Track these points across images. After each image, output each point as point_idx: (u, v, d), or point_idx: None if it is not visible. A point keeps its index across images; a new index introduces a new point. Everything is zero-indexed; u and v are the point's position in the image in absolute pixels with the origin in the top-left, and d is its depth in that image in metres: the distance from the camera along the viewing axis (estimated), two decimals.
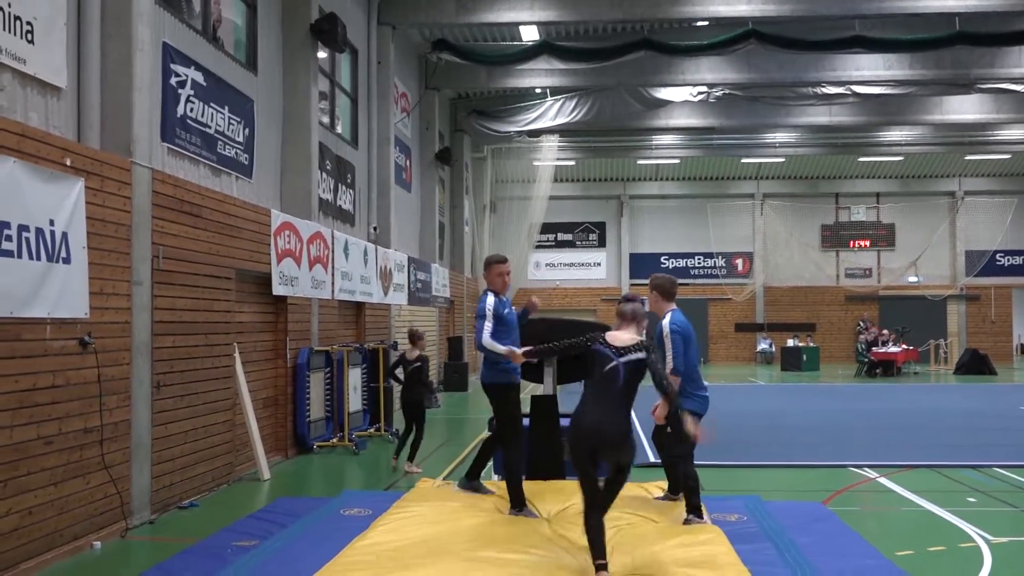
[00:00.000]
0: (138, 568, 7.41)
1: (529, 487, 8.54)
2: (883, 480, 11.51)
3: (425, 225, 26.07)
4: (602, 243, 41.66)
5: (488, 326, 8.20)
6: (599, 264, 41.48)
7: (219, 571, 6.68)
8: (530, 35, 23.18)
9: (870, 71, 25.13)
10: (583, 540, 6.38)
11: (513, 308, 8.73)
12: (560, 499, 8.40)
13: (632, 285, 41.29)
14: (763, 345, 40.13)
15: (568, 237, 41.65)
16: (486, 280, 8.72)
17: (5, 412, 7.17)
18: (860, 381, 30.27)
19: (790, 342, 36.66)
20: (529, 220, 33.64)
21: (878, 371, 31.79)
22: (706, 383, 8.74)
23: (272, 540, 7.50)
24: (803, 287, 40.60)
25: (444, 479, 11.09)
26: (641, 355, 6.66)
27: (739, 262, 41.11)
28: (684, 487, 8.23)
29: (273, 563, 6.76)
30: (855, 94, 27.27)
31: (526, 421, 8.95)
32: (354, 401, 15.61)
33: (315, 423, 14.38)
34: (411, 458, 12.19)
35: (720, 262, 41.04)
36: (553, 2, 20.10)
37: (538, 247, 39.73)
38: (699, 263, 41.32)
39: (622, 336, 6.81)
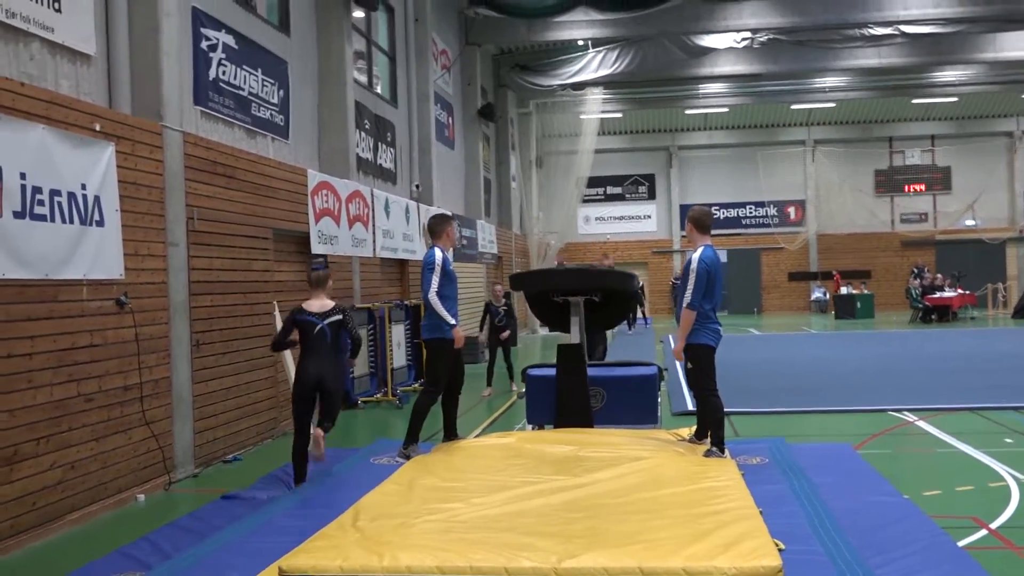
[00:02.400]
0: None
1: (560, 434, 8.71)
2: (921, 423, 11.45)
3: (470, 182, 26.15)
4: (652, 195, 41.46)
5: (435, 280, 8.82)
6: (649, 216, 41.29)
7: (249, 515, 6.93)
8: None
9: (918, 9, 24.62)
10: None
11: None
12: (602, 446, 8.49)
13: (683, 236, 41.07)
14: (817, 294, 39.76)
15: (617, 190, 41.50)
16: (437, 236, 9.39)
17: (45, 371, 7.44)
18: (914, 327, 29.94)
19: (843, 290, 36.27)
20: (576, 174, 33.56)
21: (933, 317, 31.38)
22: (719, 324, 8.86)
23: (302, 488, 7.73)
24: (857, 234, 40.09)
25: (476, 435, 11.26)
26: (338, 317, 8.47)
27: (791, 210, 40.69)
28: (710, 420, 8.36)
29: (301, 507, 7.00)
30: (903, 34, 26.76)
31: (553, 371, 9.19)
32: (398, 357, 15.83)
33: (359, 379, 14.63)
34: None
35: (772, 211, 40.67)
36: None
37: (587, 201, 39.71)
38: (751, 212, 40.98)
39: (316, 303, 8.51)
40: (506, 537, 5.33)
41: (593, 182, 38.81)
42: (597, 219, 41.12)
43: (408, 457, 8.72)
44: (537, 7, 23.64)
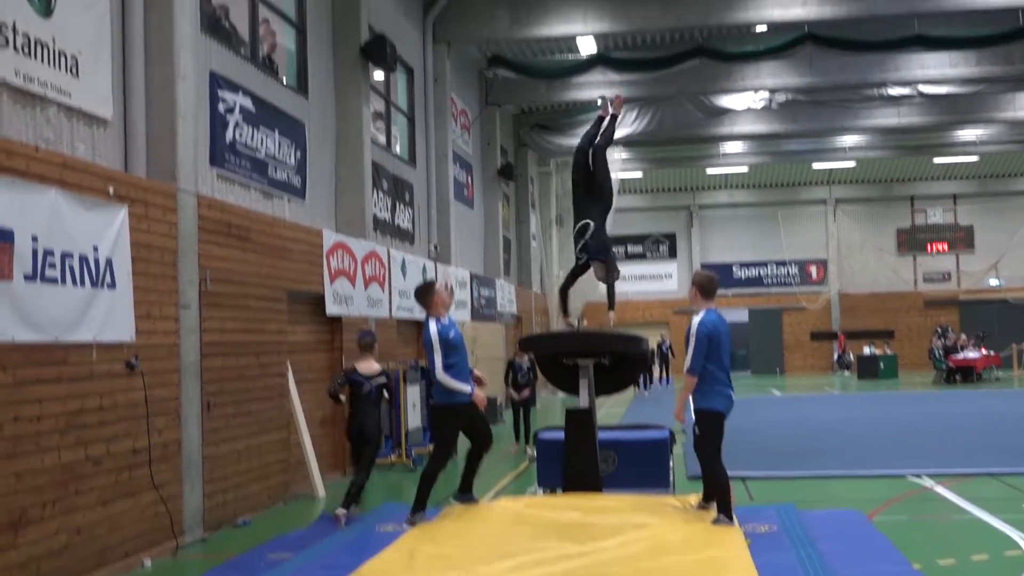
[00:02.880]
0: None
1: (567, 499, 8.60)
2: (939, 488, 11.24)
3: (489, 241, 26.22)
4: (673, 254, 41.44)
5: (439, 358, 8.85)
6: (670, 275, 41.23)
7: None
8: (587, 47, 23.25)
9: (935, 70, 24.70)
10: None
11: (457, 326, 9.39)
12: (609, 512, 8.38)
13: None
14: (839, 353, 39.43)
15: (638, 249, 41.51)
16: (426, 306, 9.20)
17: (53, 434, 7.42)
18: (938, 388, 29.60)
19: (866, 350, 35.97)
20: None
21: (957, 377, 31.01)
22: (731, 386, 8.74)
23: (303, 553, 7.66)
24: (880, 293, 39.89)
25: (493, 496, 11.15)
26: (383, 380, 10.02)
27: (813, 269, 40.56)
28: (716, 488, 8.25)
29: (300, 573, 6.90)
30: (922, 94, 26.85)
31: (558, 435, 9.14)
32: (412, 418, 15.72)
33: None
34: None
35: (793, 270, 40.57)
36: (605, 13, 20.09)
37: None
38: (772, 271, 40.88)
39: (365, 365, 10.07)
40: None
41: (613, 241, 38.70)
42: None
43: (414, 524, 8.62)
44: (555, 68, 23.89)
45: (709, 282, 8.85)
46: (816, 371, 39.69)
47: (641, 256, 41.23)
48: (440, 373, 8.87)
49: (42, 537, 7.22)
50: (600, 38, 22.78)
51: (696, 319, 8.52)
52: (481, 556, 6.69)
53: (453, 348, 9.02)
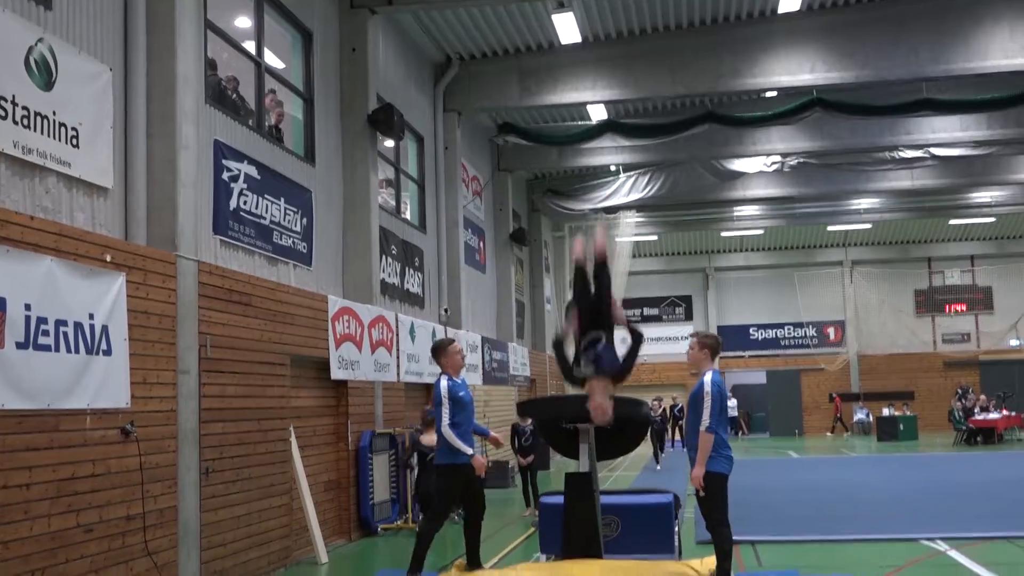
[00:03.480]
0: None
1: (563, 566, 8.49)
2: (953, 553, 11.05)
3: (502, 305, 26.22)
4: (689, 316, 41.32)
5: (446, 413, 8.90)
6: (686, 338, 40.79)
7: None
8: (598, 114, 23.46)
9: (947, 133, 24.76)
10: None
11: (468, 389, 9.53)
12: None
13: (721, 358, 40.61)
14: (859, 415, 39.04)
15: (654, 312, 41.43)
16: (440, 364, 9.33)
17: (43, 501, 7.42)
18: (958, 450, 29.21)
19: (885, 411, 35.61)
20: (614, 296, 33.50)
21: (978, 439, 30.61)
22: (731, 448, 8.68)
23: None
24: (899, 354, 39.55)
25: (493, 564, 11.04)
26: None
27: (831, 331, 40.32)
28: (717, 550, 8.15)
29: None
30: (934, 157, 26.89)
31: (562, 499, 9.05)
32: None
33: (380, 505, 14.48)
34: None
35: (811, 331, 40.35)
36: (615, 81, 20.25)
37: None
38: (789, 333, 40.69)
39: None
40: None
41: (629, 304, 38.79)
42: None
43: None
44: (565, 135, 24.07)
45: (718, 344, 8.94)
46: (835, 432, 39.22)
47: (657, 318, 41.11)
48: (445, 428, 9.04)
49: None
50: (610, 105, 23.01)
51: (707, 378, 8.50)
52: None
53: (461, 407, 9.16)
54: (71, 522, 7.71)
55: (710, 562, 8.75)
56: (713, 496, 8.39)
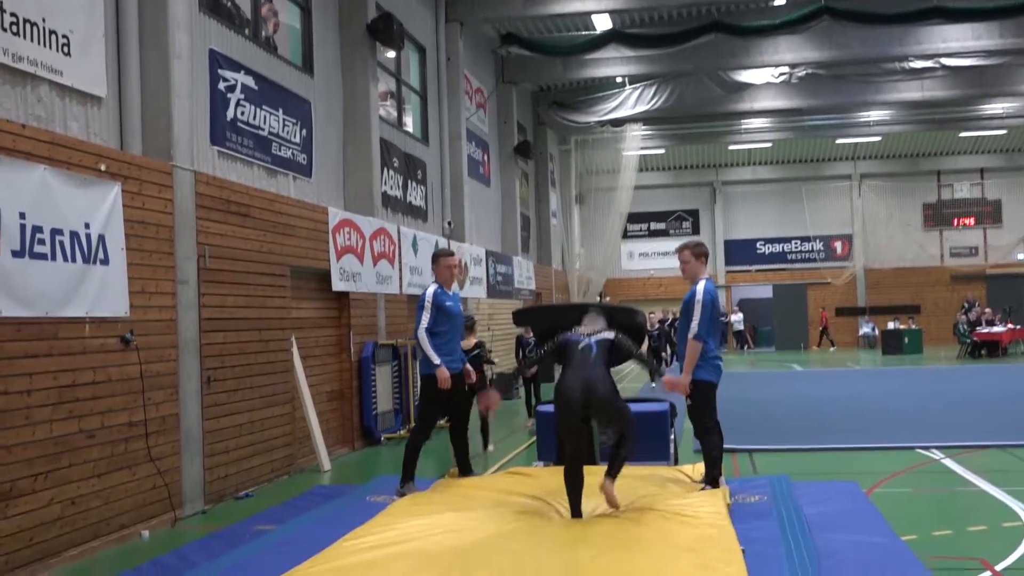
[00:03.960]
0: None
1: (549, 475, 8.66)
2: (947, 461, 11.18)
3: (506, 218, 26.18)
4: (696, 230, 41.21)
5: (426, 317, 9.00)
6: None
7: (229, 552, 6.94)
8: (603, 24, 23.12)
9: (958, 42, 24.28)
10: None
11: (459, 302, 9.59)
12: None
13: (728, 272, 40.83)
14: (865, 329, 39.17)
15: (661, 226, 41.38)
16: (434, 273, 9.42)
17: (45, 407, 7.53)
18: (962, 363, 29.35)
19: (891, 325, 35.71)
20: (618, 210, 33.51)
21: (982, 352, 30.74)
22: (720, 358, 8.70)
23: (289, 524, 7.74)
24: (906, 268, 39.54)
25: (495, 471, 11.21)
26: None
27: (838, 245, 40.25)
28: (706, 456, 8.28)
29: (283, 545, 7.00)
30: (944, 67, 26.52)
31: (551, 408, 9.15)
32: None
33: (383, 415, 14.66)
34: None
35: (818, 245, 40.27)
36: None
37: (631, 237, 39.72)
38: (796, 247, 40.64)
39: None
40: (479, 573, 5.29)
41: (636, 218, 38.79)
42: (641, 255, 40.98)
43: (403, 495, 8.71)
44: (569, 45, 23.77)
45: (702, 246, 8.92)
46: (842, 346, 39.44)
47: (664, 233, 41.05)
48: (421, 332, 9.06)
49: (34, 508, 7.33)
50: (615, 15, 22.67)
51: (699, 286, 8.52)
52: (459, 527, 6.70)
53: (446, 316, 9.17)
54: (73, 427, 7.84)
55: (702, 468, 8.87)
56: (700, 403, 8.48)
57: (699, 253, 8.86)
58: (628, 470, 9.02)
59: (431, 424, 9.47)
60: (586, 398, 7.38)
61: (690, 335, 8.39)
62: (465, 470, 9.67)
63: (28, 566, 7.25)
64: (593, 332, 7.92)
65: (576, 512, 7.36)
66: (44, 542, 7.44)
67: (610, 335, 7.85)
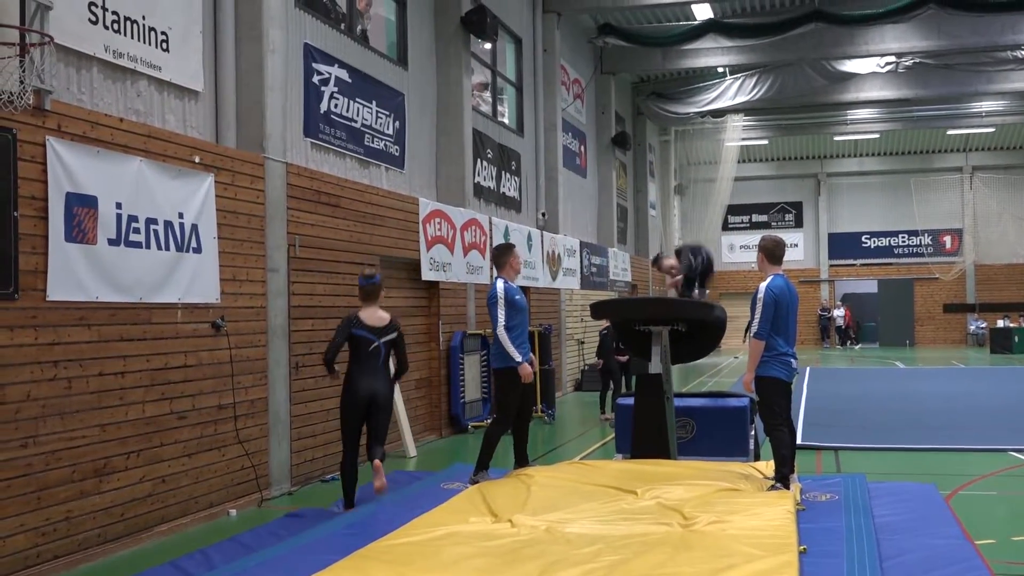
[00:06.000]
0: None
1: (635, 466, 8.70)
2: None
3: (603, 210, 26.17)
4: (799, 223, 40.60)
5: (501, 313, 9.00)
6: (796, 245, 40.29)
7: (305, 531, 7.21)
8: (702, 14, 22.93)
9: None
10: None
11: (523, 293, 9.55)
12: (668, 475, 8.42)
13: (832, 266, 40.09)
14: (974, 326, 38.04)
15: (763, 218, 40.82)
16: (498, 267, 9.50)
17: (138, 389, 7.90)
18: None
19: (1000, 323, 34.63)
20: (719, 202, 33.21)
21: None
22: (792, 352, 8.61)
23: (362, 508, 7.97)
24: (1018, 264, 38.23)
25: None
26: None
27: (947, 239, 39.15)
28: (775, 454, 8.22)
29: (358, 527, 7.23)
30: None
31: (632, 400, 9.21)
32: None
33: (471, 404, 14.87)
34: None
35: (926, 240, 39.22)
36: None
37: (732, 229, 39.34)
38: (903, 241, 39.67)
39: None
40: (530, 567, 5.40)
41: (738, 210, 38.40)
42: (742, 247, 40.39)
43: (476, 483, 8.85)
44: (666, 36, 23.61)
45: (776, 246, 8.81)
46: (948, 344, 38.39)
47: (766, 225, 40.40)
48: (501, 331, 9.06)
49: (126, 485, 7.71)
50: (714, 4, 22.46)
51: (763, 284, 8.48)
52: (522, 517, 6.81)
53: (517, 311, 9.20)
54: (164, 409, 8.20)
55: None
56: (766, 400, 8.41)
57: (764, 247, 8.76)
58: (696, 464, 9.06)
59: (512, 416, 9.49)
60: None
61: (751, 333, 8.36)
62: (522, 461, 9.71)
63: (120, 539, 7.62)
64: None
65: None
66: (136, 517, 7.81)
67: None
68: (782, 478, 8.05)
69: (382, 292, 8.80)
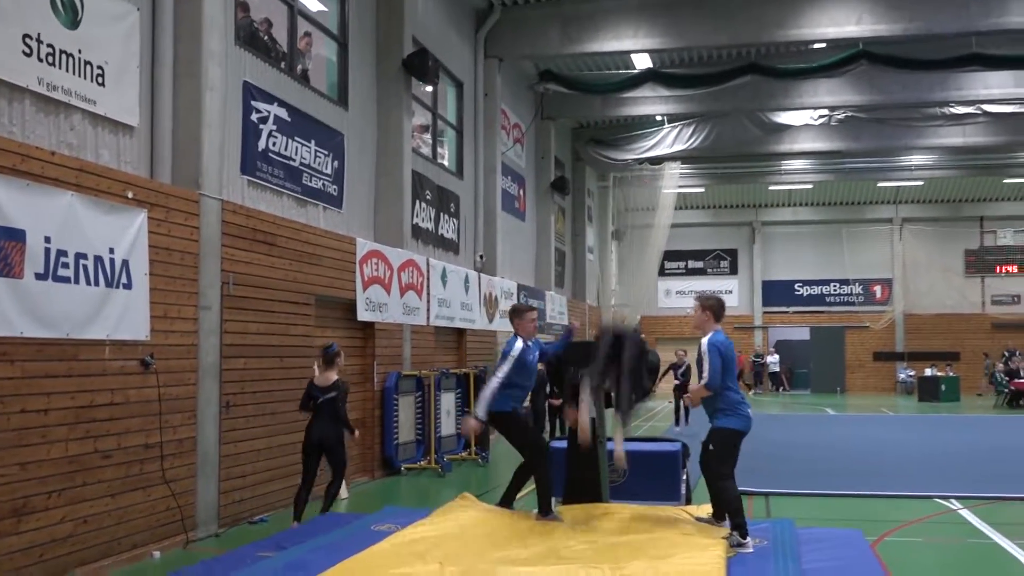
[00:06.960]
0: None
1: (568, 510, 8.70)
2: (964, 512, 11.08)
3: (540, 253, 26.34)
4: (734, 270, 41.14)
5: (505, 368, 8.87)
6: (731, 292, 40.81)
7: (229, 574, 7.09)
8: (641, 63, 23.28)
9: (999, 89, 24.20)
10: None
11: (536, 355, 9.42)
12: (600, 520, 8.44)
13: (765, 313, 40.66)
14: (903, 375, 38.74)
15: (699, 264, 41.32)
16: (515, 327, 9.31)
17: (61, 427, 7.74)
18: (999, 412, 28.95)
19: (928, 371, 35.32)
20: (656, 247, 33.55)
21: (1021, 402, 30.29)
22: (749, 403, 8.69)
23: (291, 550, 7.86)
24: (946, 315, 39.08)
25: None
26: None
27: (877, 289, 39.93)
28: (729, 507, 8.23)
29: (277, 571, 7.11)
30: (986, 113, 26.34)
31: (565, 443, 9.20)
32: (447, 425, 15.94)
33: (404, 446, 14.78)
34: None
35: (857, 289, 39.97)
36: (657, 29, 20.08)
37: (668, 275, 39.79)
38: (835, 290, 40.36)
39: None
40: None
41: (674, 256, 38.85)
42: (678, 293, 40.84)
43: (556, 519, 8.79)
44: (606, 83, 23.94)
45: (721, 306, 8.92)
46: (878, 391, 39.03)
47: (702, 271, 41.01)
48: (494, 382, 8.86)
49: (46, 525, 7.53)
50: (653, 54, 22.82)
51: (705, 339, 8.55)
52: (460, 554, 6.77)
53: (525, 372, 9.11)
54: (89, 447, 8.04)
55: (707, 508, 8.87)
56: (719, 451, 8.43)
57: (705, 306, 8.84)
58: (633, 508, 9.09)
59: (545, 448, 9.27)
60: None
61: (702, 383, 8.41)
62: (505, 502, 9.58)
63: None
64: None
65: None
66: (55, 559, 7.62)
67: None
68: (738, 527, 8.06)
69: (338, 358, 10.18)
